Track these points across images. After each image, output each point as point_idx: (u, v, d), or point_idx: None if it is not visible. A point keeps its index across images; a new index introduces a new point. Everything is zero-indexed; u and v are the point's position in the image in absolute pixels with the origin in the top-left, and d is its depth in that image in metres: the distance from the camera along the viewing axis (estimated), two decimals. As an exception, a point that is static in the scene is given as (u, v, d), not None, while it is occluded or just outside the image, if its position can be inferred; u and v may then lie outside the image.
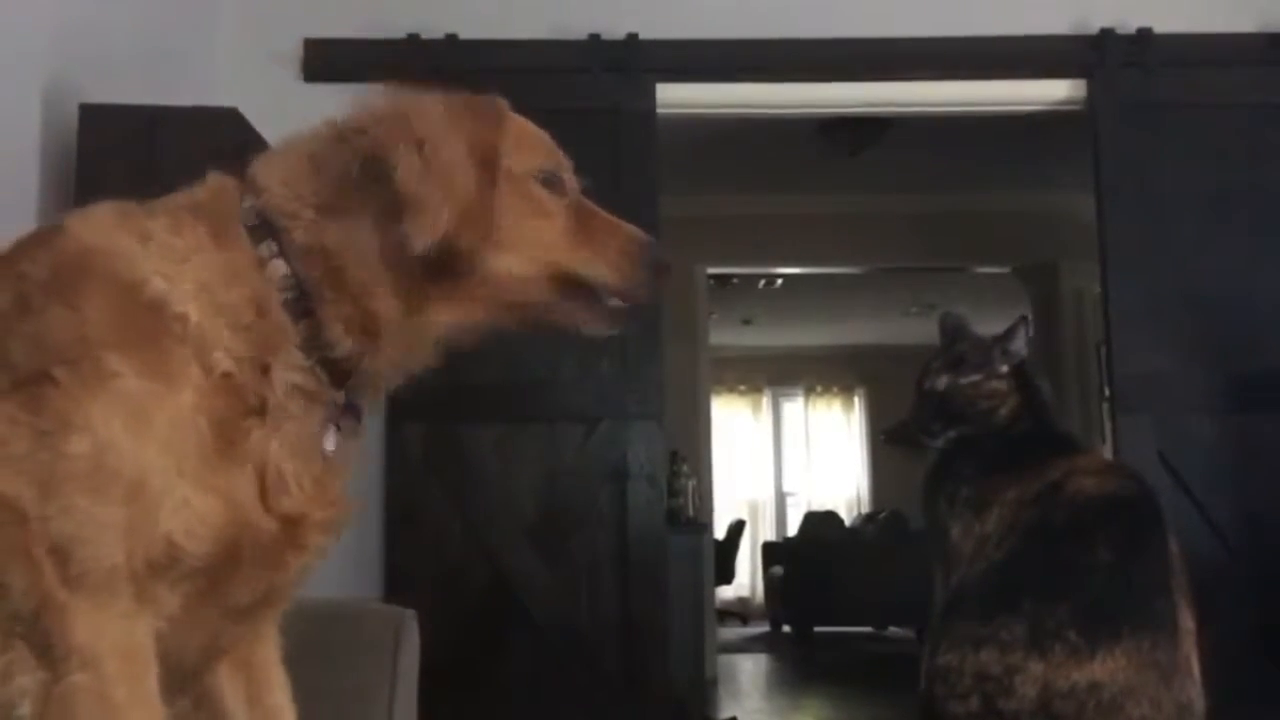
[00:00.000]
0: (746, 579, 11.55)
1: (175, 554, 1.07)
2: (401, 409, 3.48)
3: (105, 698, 1.05)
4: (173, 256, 1.14)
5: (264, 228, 1.19)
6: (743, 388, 12.40)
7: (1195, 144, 3.74)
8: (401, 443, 3.63)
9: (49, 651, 1.05)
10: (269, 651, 1.31)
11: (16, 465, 1.05)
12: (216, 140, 2.70)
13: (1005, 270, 7.53)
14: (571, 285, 1.26)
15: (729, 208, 6.68)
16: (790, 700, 6.76)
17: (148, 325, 1.11)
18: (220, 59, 3.70)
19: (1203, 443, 3.60)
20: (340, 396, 1.21)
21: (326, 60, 3.76)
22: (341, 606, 1.94)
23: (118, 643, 1.06)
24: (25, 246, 1.18)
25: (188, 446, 1.09)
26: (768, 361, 12.13)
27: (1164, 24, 3.78)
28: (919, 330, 8.30)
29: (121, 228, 1.16)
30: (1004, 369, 2.38)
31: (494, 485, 3.66)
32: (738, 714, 5.75)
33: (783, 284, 8.78)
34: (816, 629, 9.27)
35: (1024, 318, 2.47)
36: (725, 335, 10.19)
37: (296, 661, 1.33)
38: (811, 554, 9.42)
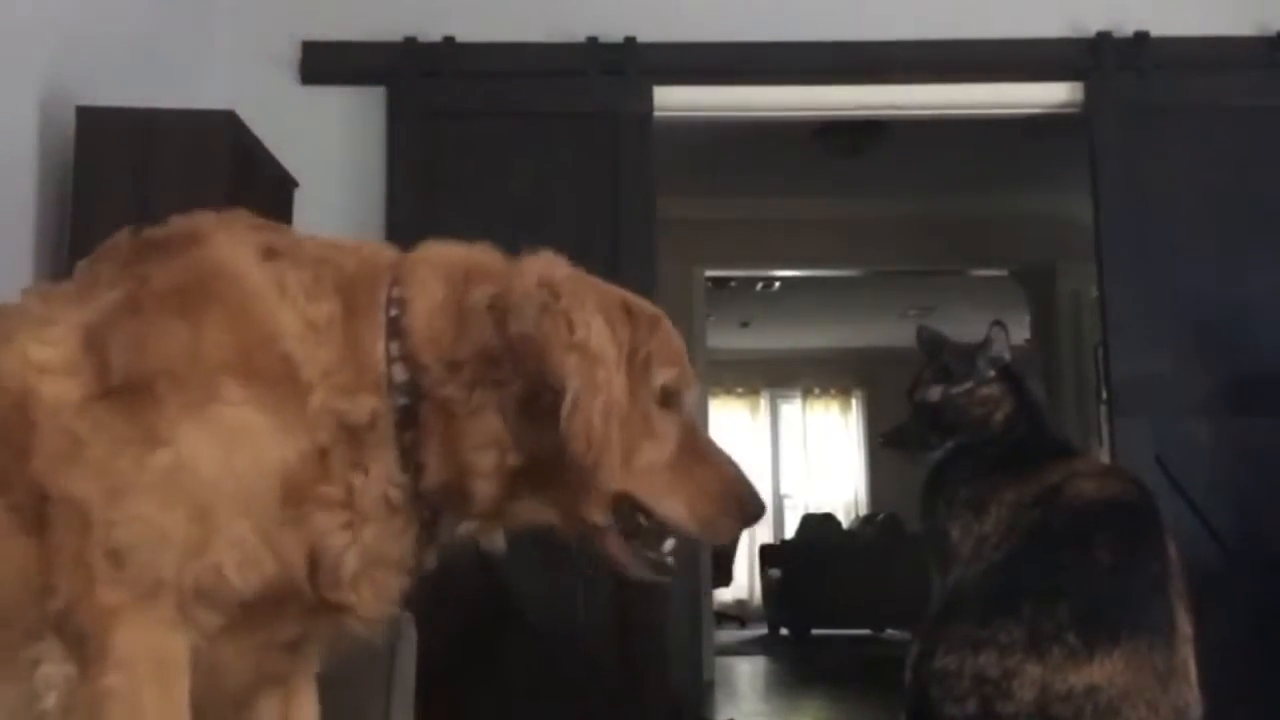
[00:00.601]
0: (744, 581, 11.53)
1: (221, 584, 1.09)
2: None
3: (135, 701, 1.06)
4: (307, 319, 1.13)
5: (397, 323, 1.16)
6: (740, 390, 12.39)
7: (1192, 147, 3.73)
8: (400, 445, 3.62)
9: (83, 649, 1.06)
10: (307, 673, 1.32)
11: (93, 469, 1.07)
12: (214, 142, 2.70)
13: (1003, 273, 7.54)
14: (638, 514, 1.19)
15: (727, 210, 6.67)
16: (788, 702, 6.75)
17: (272, 368, 1.11)
18: (217, 61, 3.68)
19: (1200, 445, 3.59)
20: (426, 512, 1.19)
21: (324, 63, 3.75)
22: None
23: (154, 650, 1.08)
24: (158, 246, 1.17)
25: (261, 492, 1.09)
26: (765, 364, 12.13)
27: (1161, 27, 3.77)
28: (916, 333, 8.28)
29: (264, 268, 1.15)
30: (991, 374, 2.41)
31: (492, 487, 3.65)
32: (735, 716, 5.75)
33: (780, 286, 8.78)
34: (814, 631, 9.28)
35: (997, 323, 2.49)
36: (723, 337, 10.18)
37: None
38: (809, 556, 9.42)
